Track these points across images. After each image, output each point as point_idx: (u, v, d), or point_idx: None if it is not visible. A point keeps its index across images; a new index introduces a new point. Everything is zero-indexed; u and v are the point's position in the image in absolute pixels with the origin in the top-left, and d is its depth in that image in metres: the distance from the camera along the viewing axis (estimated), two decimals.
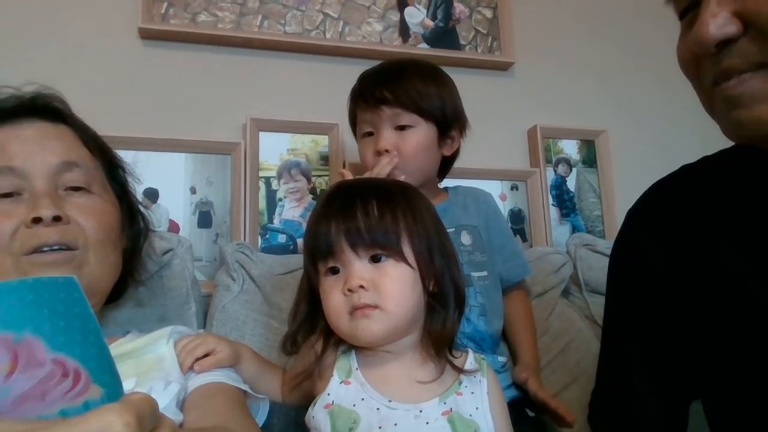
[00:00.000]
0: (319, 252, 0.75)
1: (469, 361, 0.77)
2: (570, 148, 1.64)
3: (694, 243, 0.67)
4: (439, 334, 0.75)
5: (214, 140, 1.35)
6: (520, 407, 0.99)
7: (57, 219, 0.72)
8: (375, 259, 0.73)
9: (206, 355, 0.79)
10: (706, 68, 0.57)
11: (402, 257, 0.73)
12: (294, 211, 1.38)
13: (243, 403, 0.77)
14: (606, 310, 0.80)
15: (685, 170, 0.73)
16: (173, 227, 1.30)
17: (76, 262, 0.74)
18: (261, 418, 0.82)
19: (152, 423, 0.36)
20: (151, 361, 0.77)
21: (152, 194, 1.30)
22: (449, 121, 1.06)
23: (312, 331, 0.80)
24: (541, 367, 1.11)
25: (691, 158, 0.74)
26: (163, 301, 1.04)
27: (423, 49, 1.55)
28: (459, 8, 1.61)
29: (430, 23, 1.59)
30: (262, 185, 1.37)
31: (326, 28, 1.50)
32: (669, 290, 0.69)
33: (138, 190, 0.96)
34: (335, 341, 0.78)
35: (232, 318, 1.08)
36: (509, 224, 1.48)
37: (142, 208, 0.92)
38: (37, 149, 0.77)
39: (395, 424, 0.69)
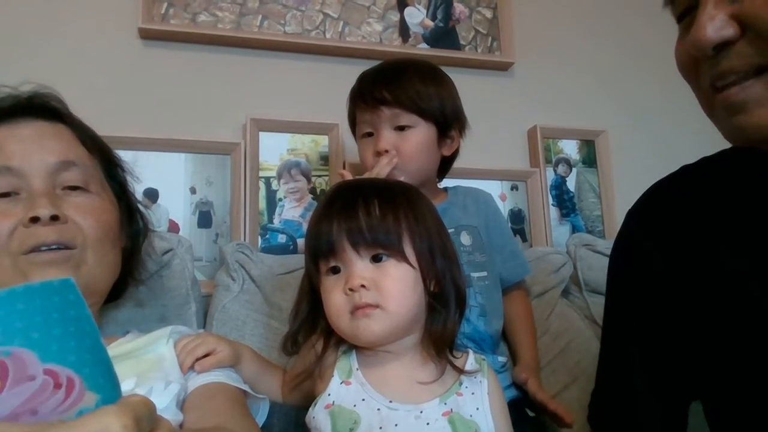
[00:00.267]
0: (320, 251, 0.75)
1: (470, 361, 0.77)
2: (570, 148, 1.64)
3: (693, 243, 0.67)
4: (440, 334, 0.75)
5: (214, 140, 1.35)
6: (520, 407, 0.99)
7: (55, 218, 0.72)
8: (376, 259, 0.73)
9: (206, 355, 0.79)
10: (704, 71, 0.57)
11: (403, 257, 0.73)
12: (294, 211, 1.38)
13: (243, 404, 0.77)
14: (606, 310, 0.80)
15: (685, 171, 0.73)
16: (173, 227, 1.30)
17: (74, 262, 0.74)
18: (261, 418, 0.82)
19: (150, 425, 0.36)
20: (151, 361, 0.77)
21: (152, 194, 1.30)
22: (449, 121, 1.06)
23: (313, 331, 0.80)
24: (541, 367, 1.11)
25: (691, 158, 0.74)
26: (163, 301, 1.04)
27: (423, 50, 1.55)
28: (459, 8, 1.61)
29: (430, 23, 1.59)
30: (262, 185, 1.37)
31: (326, 28, 1.50)
32: (669, 291, 0.69)
33: (138, 190, 0.95)
34: (336, 341, 0.78)
35: (232, 318, 1.08)
36: (509, 224, 1.48)
37: (141, 207, 0.92)
38: (34, 148, 0.77)
39: (396, 425, 0.69)
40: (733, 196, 0.66)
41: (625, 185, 1.60)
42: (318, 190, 1.41)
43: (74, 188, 0.78)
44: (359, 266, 0.72)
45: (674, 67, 0.62)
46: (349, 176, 1.01)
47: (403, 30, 1.56)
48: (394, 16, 1.56)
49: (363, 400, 0.72)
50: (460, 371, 0.75)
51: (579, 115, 1.66)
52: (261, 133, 1.39)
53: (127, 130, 1.27)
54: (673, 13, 0.62)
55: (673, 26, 0.63)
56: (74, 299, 0.36)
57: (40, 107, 0.81)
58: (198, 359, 0.78)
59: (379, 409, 0.71)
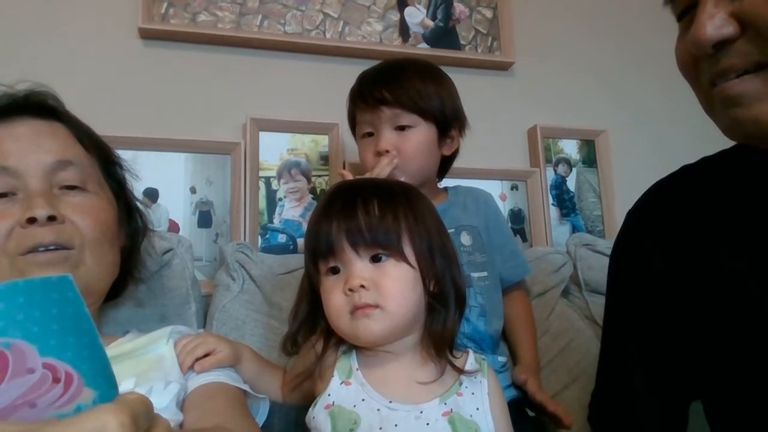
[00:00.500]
0: (319, 251, 0.75)
1: (470, 361, 0.77)
2: (570, 148, 1.64)
3: (693, 243, 0.67)
4: (440, 334, 0.75)
5: (214, 140, 1.35)
6: (520, 407, 0.99)
7: (52, 219, 0.72)
8: (376, 259, 0.73)
9: (206, 355, 0.79)
10: (704, 69, 0.57)
11: (403, 257, 0.73)
12: (294, 210, 1.38)
13: (243, 403, 0.77)
14: (606, 310, 0.80)
15: (685, 170, 0.73)
16: (173, 227, 1.30)
17: (72, 262, 0.74)
18: (261, 418, 0.82)
19: (147, 423, 0.36)
20: (151, 361, 0.77)
21: (152, 194, 1.30)
22: (449, 121, 1.06)
23: (312, 332, 0.80)
24: (541, 367, 1.11)
25: (691, 158, 0.74)
26: (163, 300, 1.04)
27: (423, 49, 1.55)
28: (459, 8, 1.61)
29: (430, 23, 1.58)
30: (262, 185, 1.37)
31: (326, 28, 1.50)
32: (669, 291, 0.69)
33: (137, 189, 0.95)
34: (336, 341, 0.78)
35: (232, 318, 1.08)
36: (509, 224, 1.48)
37: (140, 206, 0.92)
38: (31, 148, 0.76)
39: (396, 425, 0.69)
40: (733, 196, 0.66)
41: (625, 185, 1.60)
42: (318, 190, 1.41)
43: (72, 188, 0.77)
44: (359, 266, 0.72)
45: (674, 67, 0.62)
46: (349, 176, 1.01)
47: (403, 30, 1.56)
48: (394, 16, 1.56)
49: (363, 400, 0.72)
50: (460, 371, 0.75)
51: (579, 115, 1.66)
52: (261, 133, 1.39)
53: (127, 129, 1.27)
54: (673, 12, 0.62)
55: (673, 26, 0.63)
56: (72, 297, 0.36)
57: (37, 106, 0.81)
58: (198, 359, 0.78)
59: (379, 410, 0.71)
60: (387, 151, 1.01)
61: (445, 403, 0.72)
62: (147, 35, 1.38)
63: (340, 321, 0.73)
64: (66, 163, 0.77)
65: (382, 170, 0.99)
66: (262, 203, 1.37)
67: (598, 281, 1.24)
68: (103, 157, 0.85)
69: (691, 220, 0.68)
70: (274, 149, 1.40)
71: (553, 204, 1.59)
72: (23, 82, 0.81)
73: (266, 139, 1.39)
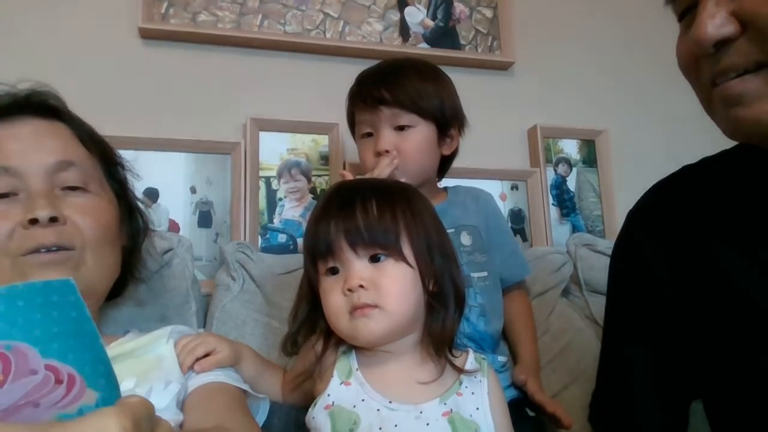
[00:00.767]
0: (318, 252, 0.75)
1: (470, 361, 0.77)
2: (570, 147, 1.64)
3: (694, 243, 0.67)
4: (439, 333, 0.75)
5: (214, 140, 1.35)
6: (520, 407, 0.99)
7: (53, 220, 0.72)
8: (374, 259, 0.73)
9: (206, 355, 0.79)
10: (704, 68, 0.57)
11: (401, 257, 0.73)
12: (294, 210, 1.38)
13: (243, 403, 0.77)
14: (606, 310, 0.80)
15: (686, 170, 0.73)
16: (173, 227, 1.30)
17: (73, 263, 0.74)
18: (261, 418, 0.82)
19: (149, 426, 0.36)
20: (151, 361, 0.77)
21: (152, 194, 1.30)
22: (448, 120, 1.06)
23: (312, 332, 0.80)
24: (541, 367, 1.11)
25: (692, 158, 0.74)
26: (163, 300, 1.04)
27: (423, 49, 1.55)
28: (459, 8, 1.61)
29: (430, 23, 1.58)
30: (262, 185, 1.37)
31: (326, 28, 1.50)
32: (669, 291, 0.69)
33: (138, 189, 0.95)
34: (335, 342, 0.78)
35: (232, 318, 1.08)
36: (509, 224, 1.49)
37: (141, 206, 0.92)
38: (33, 148, 0.76)
39: (396, 425, 0.69)
40: (733, 196, 0.66)
41: (625, 185, 1.60)
42: (318, 190, 1.41)
43: (73, 188, 0.77)
44: (357, 266, 0.72)
45: (675, 67, 0.62)
46: (349, 176, 1.01)
47: (404, 30, 1.56)
48: (395, 16, 1.56)
49: (363, 400, 0.72)
50: (460, 371, 0.75)
51: (579, 115, 1.66)
52: (261, 133, 1.39)
53: (127, 129, 1.27)
54: (674, 11, 0.62)
55: (673, 25, 0.63)
56: (74, 300, 0.36)
57: (38, 105, 0.80)
58: (198, 359, 0.78)
59: (378, 410, 0.71)
60: (387, 152, 1.01)
61: (445, 403, 0.72)
62: (147, 35, 1.38)
63: (339, 321, 0.73)
64: (68, 163, 0.77)
65: (382, 171, 0.99)
66: (262, 203, 1.37)
67: (599, 281, 1.24)
68: (105, 157, 0.85)
69: (692, 220, 0.68)
70: (274, 149, 1.40)
71: (553, 204, 1.59)
72: (25, 82, 0.81)
73: (266, 139, 1.39)
